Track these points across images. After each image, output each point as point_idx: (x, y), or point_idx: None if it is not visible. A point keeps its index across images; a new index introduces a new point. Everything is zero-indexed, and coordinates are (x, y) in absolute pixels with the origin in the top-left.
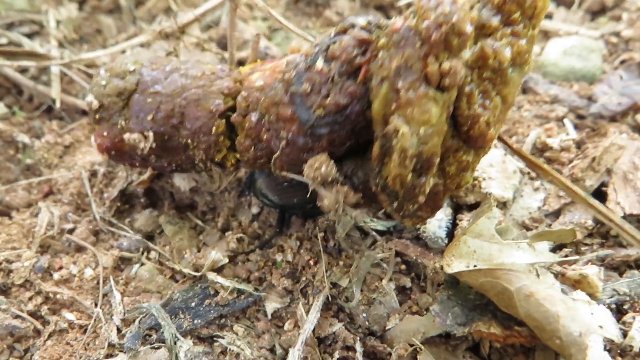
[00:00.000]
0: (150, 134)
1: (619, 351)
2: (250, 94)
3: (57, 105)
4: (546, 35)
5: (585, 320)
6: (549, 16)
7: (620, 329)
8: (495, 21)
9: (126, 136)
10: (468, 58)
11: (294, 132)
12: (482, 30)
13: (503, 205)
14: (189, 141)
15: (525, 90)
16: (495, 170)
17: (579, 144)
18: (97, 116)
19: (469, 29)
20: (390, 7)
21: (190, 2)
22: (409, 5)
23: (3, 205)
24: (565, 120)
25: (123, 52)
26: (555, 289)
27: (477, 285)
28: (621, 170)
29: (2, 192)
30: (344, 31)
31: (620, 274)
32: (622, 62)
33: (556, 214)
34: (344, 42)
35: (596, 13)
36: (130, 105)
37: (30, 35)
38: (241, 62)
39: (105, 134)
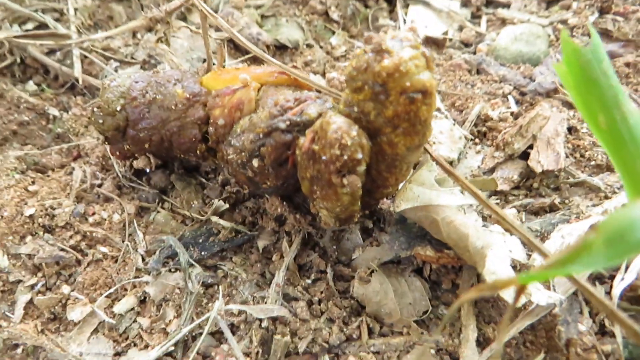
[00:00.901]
0: (152, 157)
1: (525, 270)
2: (216, 129)
3: (80, 83)
4: (503, 22)
5: (486, 238)
6: (507, 5)
7: (527, 253)
8: (388, 127)
9: (135, 163)
10: (369, 151)
11: (249, 185)
12: (379, 132)
13: (450, 164)
14: (182, 155)
15: (479, 71)
16: (444, 137)
17: (516, 116)
18: (106, 142)
19: (359, 156)
20: None
21: None
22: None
23: (40, 165)
24: (509, 97)
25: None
26: (474, 221)
27: (416, 219)
28: (545, 136)
29: (38, 155)
30: (268, 133)
31: (539, 217)
32: None
33: (491, 170)
34: (270, 147)
35: (551, 2)
36: (127, 136)
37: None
38: (237, 46)
39: (117, 152)
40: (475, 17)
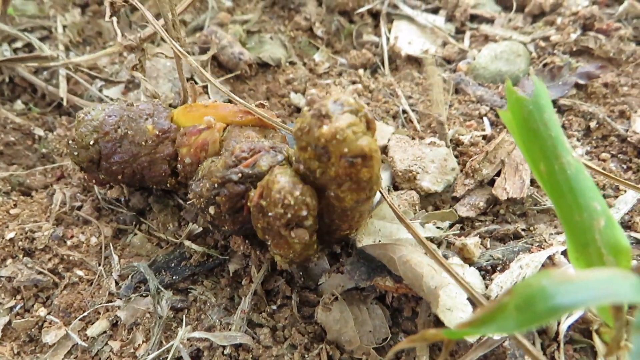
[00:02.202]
0: (125, 188)
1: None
2: (184, 167)
3: (65, 103)
4: (486, 38)
5: (440, 278)
6: (491, 20)
7: (486, 284)
8: (334, 184)
9: (109, 193)
10: (315, 207)
11: (211, 227)
12: (326, 187)
13: (426, 195)
14: (155, 186)
15: (457, 91)
16: (434, 166)
17: (489, 139)
18: (82, 171)
19: (304, 213)
20: (353, 13)
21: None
22: (369, 11)
23: (25, 186)
24: (485, 118)
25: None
26: (436, 251)
27: (376, 255)
28: (514, 162)
29: (23, 175)
30: (222, 184)
31: (504, 243)
32: (545, 65)
33: (462, 197)
34: (224, 197)
35: (537, 16)
36: (102, 168)
37: (41, 40)
38: (220, 64)
39: (93, 180)
40: (460, 32)
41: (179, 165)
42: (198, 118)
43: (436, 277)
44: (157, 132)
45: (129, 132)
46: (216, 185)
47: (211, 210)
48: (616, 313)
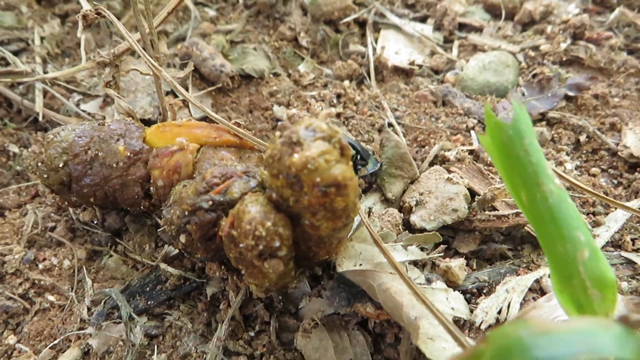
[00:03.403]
0: (98, 210)
1: (468, 326)
2: (157, 190)
3: (41, 118)
4: (474, 48)
5: (421, 308)
6: (480, 29)
7: (471, 309)
8: (308, 213)
9: (81, 215)
10: (289, 237)
11: (185, 253)
12: (301, 216)
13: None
14: (129, 208)
15: (444, 103)
16: (437, 202)
17: (476, 155)
18: (53, 193)
19: (277, 244)
20: (339, 22)
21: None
22: (356, 20)
23: None
24: (472, 132)
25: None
26: (413, 282)
27: (356, 281)
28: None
29: None
30: (193, 211)
31: (491, 264)
32: (534, 75)
33: None
34: (195, 226)
35: (526, 25)
36: (73, 190)
37: (17, 52)
38: (202, 76)
39: (65, 202)
40: (448, 41)
41: (151, 188)
42: (171, 139)
43: (417, 307)
44: (129, 154)
45: (99, 154)
46: (187, 212)
47: (182, 238)
48: None
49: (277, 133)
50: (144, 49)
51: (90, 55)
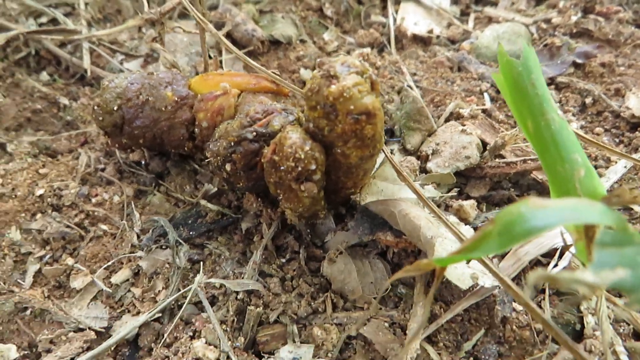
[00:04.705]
0: (146, 152)
1: None
2: (201, 131)
3: (88, 74)
4: (490, 20)
5: (435, 229)
6: (495, 3)
7: None
8: (340, 141)
9: (131, 156)
10: (323, 162)
11: (227, 184)
12: (333, 144)
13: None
14: (173, 150)
15: (460, 69)
16: (451, 150)
17: (489, 113)
18: (106, 135)
19: (313, 167)
20: None
21: None
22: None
23: (51, 150)
24: (485, 94)
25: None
26: (429, 201)
27: (378, 211)
28: None
29: (49, 140)
30: (238, 142)
31: (499, 208)
32: (545, 45)
33: None
34: (239, 155)
35: (539, 0)
36: (124, 132)
37: (64, 15)
38: (234, 40)
39: (116, 145)
40: (465, 14)
41: (196, 129)
42: (214, 85)
43: (432, 228)
44: (176, 99)
45: (149, 99)
46: (232, 143)
47: (227, 167)
48: (587, 233)
49: (316, 70)
50: (191, 3)
51: (132, 19)
